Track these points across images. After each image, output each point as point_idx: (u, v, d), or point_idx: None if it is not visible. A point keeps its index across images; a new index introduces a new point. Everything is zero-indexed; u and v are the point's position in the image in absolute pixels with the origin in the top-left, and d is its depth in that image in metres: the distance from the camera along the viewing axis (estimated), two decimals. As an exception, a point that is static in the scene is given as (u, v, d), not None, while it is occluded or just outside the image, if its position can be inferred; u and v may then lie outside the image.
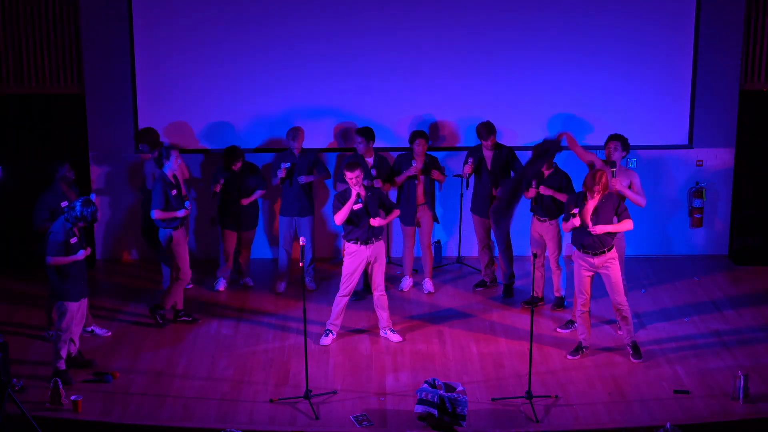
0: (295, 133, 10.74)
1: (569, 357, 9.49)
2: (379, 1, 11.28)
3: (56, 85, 11.49)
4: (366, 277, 10.33)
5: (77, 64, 11.44)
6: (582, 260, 9.31)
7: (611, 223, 9.19)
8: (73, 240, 8.91)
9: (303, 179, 10.74)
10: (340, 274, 9.89)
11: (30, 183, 10.96)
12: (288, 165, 10.70)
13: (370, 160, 10.75)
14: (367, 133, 10.72)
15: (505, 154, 10.67)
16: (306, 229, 10.86)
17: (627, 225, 9.26)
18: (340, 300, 9.80)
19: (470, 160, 10.74)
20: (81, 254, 8.97)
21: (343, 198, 9.64)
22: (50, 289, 9.07)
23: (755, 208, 11.89)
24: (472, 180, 11.01)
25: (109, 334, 9.99)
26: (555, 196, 10.10)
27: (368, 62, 11.39)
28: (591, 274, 9.33)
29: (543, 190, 10.10)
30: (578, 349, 9.52)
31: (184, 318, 10.29)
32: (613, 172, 9.66)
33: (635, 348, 9.44)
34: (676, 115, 11.62)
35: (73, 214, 8.88)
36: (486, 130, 10.62)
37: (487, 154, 10.70)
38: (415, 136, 10.72)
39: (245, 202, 10.80)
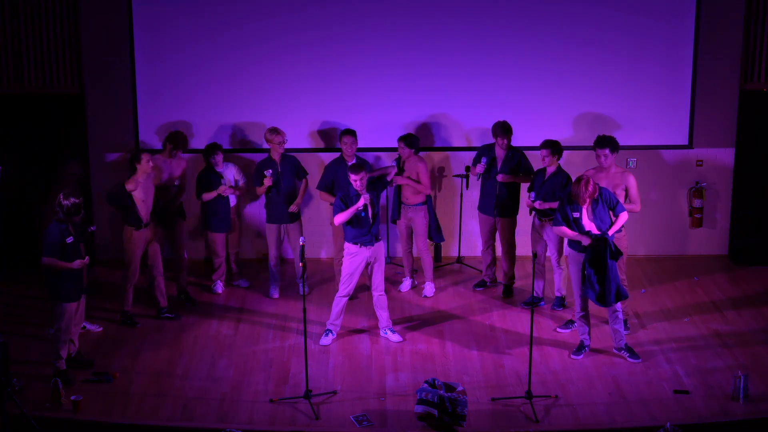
0: (278, 133, 10.66)
1: (573, 357, 9.48)
2: (380, 2, 11.28)
3: (56, 85, 11.49)
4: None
5: (77, 64, 11.44)
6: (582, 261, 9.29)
7: (610, 220, 9.21)
8: (69, 239, 8.89)
9: (294, 208, 10.73)
10: (338, 274, 9.89)
11: (30, 183, 10.97)
12: (271, 171, 10.63)
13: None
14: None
15: (518, 157, 10.63)
16: (296, 234, 10.81)
17: (623, 218, 9.29)
18: (340, 300, 9.80)
19: (483, 159, 10.68)
20: (77, 263, 8.95)
21: (347, 200, 9.62)
22: (47, 290, 9.06)
23: (755, 208, 11.89)
24: (472, 179, 11.00)
25: (101, 329, 9.99)
26: (552, 207, 10.11)
27: (370, 63, 11.39)
28: None
29: (539, 205, 10.12)
30: (581, 348, 9.52)
31: (166, 315, 10.34)
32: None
33: (630, 350, 9.44)
34: (676, 115, 11.62)
35: (61, 213, 8.85)
36: (502, 130, 10.58)
37: (500, 154, 10.67)
38: (398, 140, 10.72)
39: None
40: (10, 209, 11.46)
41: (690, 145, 11.73)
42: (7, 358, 8.20)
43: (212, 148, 10.73)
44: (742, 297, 10.89)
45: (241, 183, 10.88)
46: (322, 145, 11.61)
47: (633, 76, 11.47)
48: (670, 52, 11.45)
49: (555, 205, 9.99)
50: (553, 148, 10.11)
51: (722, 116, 11.64)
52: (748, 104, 11.65)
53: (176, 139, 10.73)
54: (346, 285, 9.77)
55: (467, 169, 11.37)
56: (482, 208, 10.89)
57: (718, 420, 8.44)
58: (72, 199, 8.86)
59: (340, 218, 9.60)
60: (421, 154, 11.05)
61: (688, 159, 11.78)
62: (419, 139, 10.80)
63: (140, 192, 10.00)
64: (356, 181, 9.55)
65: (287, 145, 10.78)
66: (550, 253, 10.40)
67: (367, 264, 9.79)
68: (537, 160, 10.71)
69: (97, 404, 8.69)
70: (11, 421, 8.12)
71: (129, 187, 9.92)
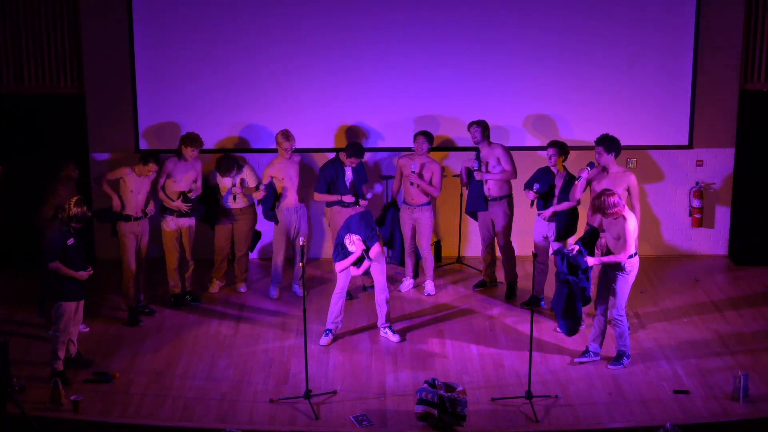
0: (289, 135, 10.67)
1: (610, 367, 9.31)
2: (379, 4, 11.29)
3: (56, 85, 11.49)
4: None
5: (77, 64, 11.44)
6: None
7: (615, 242, 9.09)
8: (70, 241, 8.89)
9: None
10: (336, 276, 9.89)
11: (30, 183, 10.97)
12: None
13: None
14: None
15: (499, 152, 10.66)
16: (301, 234, 10.81)
17: (621, 257, 9.01)
18: (337, 298, 9.80)
19: (474, 163, 10.74)
20: (83, 274, 8.98)
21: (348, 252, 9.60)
22: (48, 290, 9.06)
23: (755, 208, 11.89)
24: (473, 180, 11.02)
25: (87, 329, 9.98)
26: (558, 209, 10.14)
27: (371, 64, 11.40)
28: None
29: (545, 216, 10.18)
30: (620, 357, 9.39)
31: (140, 307, 10.43)
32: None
33: (618, 356, 9.36)
34: (676, 115, 11.62)
35: (66, 216, 8.85)
36: (482, 131, 10.63)
37: (486, 153, 10.69)
38: (416, 135, 10.73)
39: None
40: (10, 209, 11.47)
41: (690, 145, 11.73)
42: (7, 358, 8.20)
43: (226, 167, 10.72)
44: (742, 297, 10.89)
45: (247, 183, 10.83)
46: (324, 144, 11.60)
47: (633, 76, 11.47)
48: (670, 52, 11.45)
49: (560, 207, 10.03)
50: (561, 148, 10.12)
51: (722, 116, 11.64)
52: (748, 104, 11.65)
53: (186, 140, 10.59)
54: (340, 280, 9.76)
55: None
56: (473, 207, 10.87)
57: (718, 420, 8.44)
58: (84, 208, 8.88)
59: (342, 266, 9.59)
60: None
61: (688, 159, 11.78)
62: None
63: (132, 183, 10.10)
64: (352, 242, 9.49)
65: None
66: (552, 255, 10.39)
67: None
68: (541, 160, 10.74)
69: (97, 404, 8.69)
70: (11, 421, 8.12)
71: (109, 175, 10.12)
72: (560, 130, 11.46)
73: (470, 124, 10.69)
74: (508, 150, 10.68)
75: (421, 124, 11.44)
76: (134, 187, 10.14)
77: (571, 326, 9.20)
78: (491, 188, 10.69)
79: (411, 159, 10.72)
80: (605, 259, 9.10)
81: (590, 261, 9.05)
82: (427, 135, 10.70)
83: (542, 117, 11.54)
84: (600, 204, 8.95)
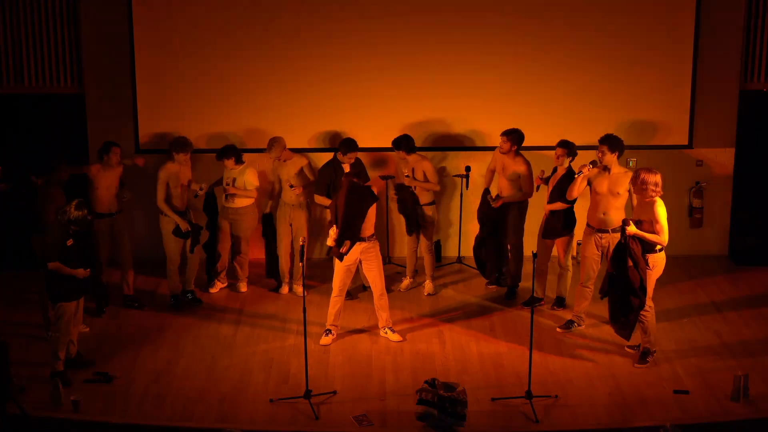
0: (271, 143, 10.68)
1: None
2: (376, 4, 11.29)
3: (56, 85, 11.50)
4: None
5: (77, 64, 11.45)
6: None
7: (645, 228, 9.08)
8: (70, 243, 8.88)
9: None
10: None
11: (30, 183, 10.95)
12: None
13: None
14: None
15: (517, 165, 10.65)
16: (300, 232, 10.82)
17: (662, 239, 9.10)
18: (335, 300, 9.80)
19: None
20: (81, 272, 8.96)
21: None
22: (47, 290, 9.04)
23: (755, 208, 11.89)
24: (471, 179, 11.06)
25: (87, 329, 9.99)
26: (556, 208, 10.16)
27: (371, 64, 11.42)
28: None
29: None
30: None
31: (130, 304, 10.63)
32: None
33: (642, 355, 9.33)
34: (676, 115, 11.63)
35: (66, 219, 8.84)
36: (512, 141, 10.55)
37: (498, 156, 10.70)
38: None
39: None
40: (10, 209, 11.46)
41: (690, 145, 11.74)
42: (7, 358, 8.20)
43: (225, 152, 10.72)
44: (742, 297, 10.89)
45: (246, 185, 10.81)
46: (323, 145, 11.60)
47: (633, 76, 11.48)
48: (670, 52, 11.45)
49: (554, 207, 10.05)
50: (570, 149, 10.13)
51: (722, 116, 11.64)
52: (748, 104, 11.65)
53: (176, 146, 10.56)
54: (338, 280, 9.76)
55: (467, 168, 11.39)
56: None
57: (718, 420, 8.44)
58: (84, 211, 8.85)
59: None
60: (422, 153, 11.03)
61: (688, 159, 11.79)
62: (412, 140, 10.74)
63: (98, 180, 10.20)
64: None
65: (292, 146, 10.81)
66: (558, 253, 10.38)
67: (360, 262, 9.78)
68: (543, 160, 10.74)
69: (97, 404, 8.69)
70: (11, 421, 8.12)
71: (85, 169, 10.27)
72: (561, 129, 11.44)
73: (501, 134, 10.58)
74: (526, 162, 10.54)
75: (420, 124, 11.46)
76: (99, 184, 10.23)
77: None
78: (502, 190, 10.67)
79: (404, 165, 10.74)
80: (642, 233, 8.98)
81: (630, 231, 8.93)
82: (396, 143, 10.63)
83: (542, 117, 11.53)
84: (642, 180, 8.94)
